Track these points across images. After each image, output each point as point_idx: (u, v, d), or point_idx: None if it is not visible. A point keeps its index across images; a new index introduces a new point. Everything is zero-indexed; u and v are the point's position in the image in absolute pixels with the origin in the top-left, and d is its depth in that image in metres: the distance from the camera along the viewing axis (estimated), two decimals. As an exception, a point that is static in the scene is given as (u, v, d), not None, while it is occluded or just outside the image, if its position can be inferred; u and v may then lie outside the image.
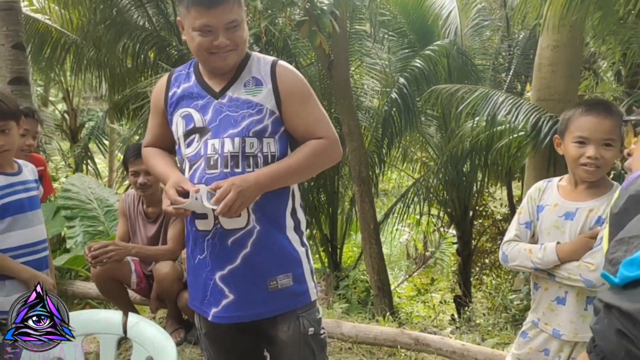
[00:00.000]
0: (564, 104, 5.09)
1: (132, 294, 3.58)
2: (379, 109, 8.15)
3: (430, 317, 7.91)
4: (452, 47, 7.63)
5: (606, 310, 0.89)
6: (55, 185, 5.74)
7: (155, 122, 1.93)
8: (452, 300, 8.83)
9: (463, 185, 8.27)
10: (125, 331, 1.82)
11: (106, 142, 10.76)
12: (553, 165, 5.33)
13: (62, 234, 4.85)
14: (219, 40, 1.68)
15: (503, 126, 5.81)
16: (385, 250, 7.50)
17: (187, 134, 1.79)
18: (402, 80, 7.73)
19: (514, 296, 5.34)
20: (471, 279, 8.96)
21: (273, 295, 1.77)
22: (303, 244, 1.85)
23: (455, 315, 7.51)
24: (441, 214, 9.53)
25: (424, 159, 9.84)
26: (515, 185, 9.39)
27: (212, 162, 1.74)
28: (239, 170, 1.72)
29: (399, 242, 12.10)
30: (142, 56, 7.69)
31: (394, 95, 7.71)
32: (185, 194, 1.68)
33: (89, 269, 3.52)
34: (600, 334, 0.89)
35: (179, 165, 1.88)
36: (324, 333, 1.90)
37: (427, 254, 11.16)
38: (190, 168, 1.79)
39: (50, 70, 8.62)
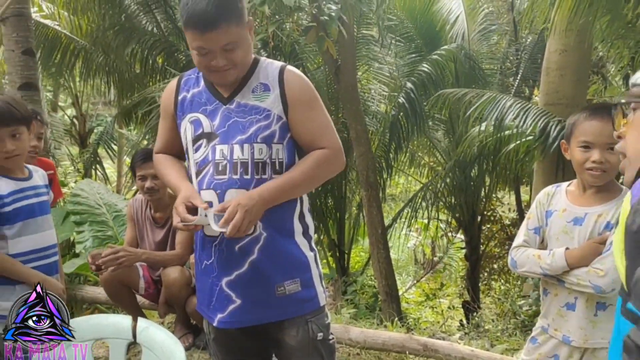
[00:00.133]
0: (572, 109, 5.07)
1: (140, 298, 3.60)
2: (386, 114, 8.15)
3: (438, 322, 7.88)
4: (459, 52, 7.63)
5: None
6: (64, 190, 5.77)
7: (165, 127, 1.93)
8: (461, 306, 8.79)
9: (471, 190, 8.25)
10: (134, 336, 1.83)
11: (115, 147, 10.83)
12: (561, 169, 5.30)
13: (72, 238, 4.88)
14: (216, 61, 1.68)
15: (511, 131, 5.80)
16: (393, 255, 7.48)
17: (196, 139, 1.80)
18: (409, 84, 7.72)
19: (523, 302, 5.31)
20: (479, 285, 8.92)
21: (280, 300, 1.77)
22: (311, 249, 1.85)
23: (464, 321, 7.47)
24: (449, 219, 9.50)
25: (431, 163, 9.82)
26: (524, 190, 9.36)
27: (220, 168, 1.75)
28: (248, 176, 1.73)
29: (407, 247, 12.06)
30: (151, 61, 7.74)
31: (401, 99, 7.71)
32: (194, 209, 1.70)
33: (97, 274, 3.53)
34: None
35: (187, 170, 1.89)
36: (333, 338, 1.90)
37: (435, 259, 11.12)
38: (198, 173, 1.79)
39: (60, 75, 8.69)
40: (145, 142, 7.84)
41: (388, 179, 8.64)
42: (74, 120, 12.39)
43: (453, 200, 8.52)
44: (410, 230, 10.34)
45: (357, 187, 7.90)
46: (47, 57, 7.99)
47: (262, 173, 1.73)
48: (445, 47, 7.80)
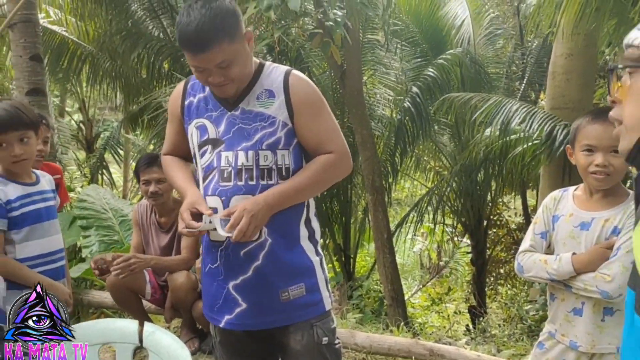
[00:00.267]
0: (578, 113, 5.05)
1: (146, 303, 3.61)
2: (392, 118, 8.15)
3: (444, 327, 7.85)
4: (465, 56, 7.62)
5: None
6: (71, 194, 5.80)
7: (172, 130, 1.95)
8: (467, 311, 8.76)
9: (477, 194, 8.22)
10: (141, 340, 1.84)
11: (121, 152, 10.87)
12: (568, 174, 5.28)
13: (78, 243, 4.90)
14: (212, 77, 1.69)
15: (517, 135, 5.78)
16: (398, 260, 7.48)
17: (201, 145, 1.81)
18: (415, 89, 7.72)
19: (529, 307, 5.29)
20: (486, 289, 8.89)
21: (285, 305, 1.78)
22: (317, 253, 1.86)
23: (470, 326, 7.44)
24: (455, 223, 9.47)
25: (437, 167, 9.80)
26: (530, 194, 9.33)
27: (225, 175, 1.75)
28: (253, 183, 1.73)
29: (413, 251, 12.04)
30: (157, 66, 7.78)
31: (406, 104, 7.70)
32: (199, 215, 1.71)
33: (106, 279, 3.55)
34: None
35: (195, 174, 1.90)
36: (339, 343, 1.90)
37: (441, 263, 11.09)
38: (204, 179, 1.80)
39: (67, 81, 8.75)
40: (151, 147, 7.87)
41: (394, 183, 8.62)
42: (81, 125, 12.47)
43: (459, 205, 8.50)
44: (415, 235, 10.31)
45: (363, 192, 7.89)
46: (55, 62, 8.04)
47: (268, 179, 1.74)
48: (451, 51, 7.80)
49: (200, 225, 1.69)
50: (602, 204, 1.86)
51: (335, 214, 8.30)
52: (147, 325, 1.87)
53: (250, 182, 1.74)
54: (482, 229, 8.63)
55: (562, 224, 1.92)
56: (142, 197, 3.72)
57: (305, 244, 1.83)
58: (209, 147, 1.79)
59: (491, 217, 9.06)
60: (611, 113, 1.08)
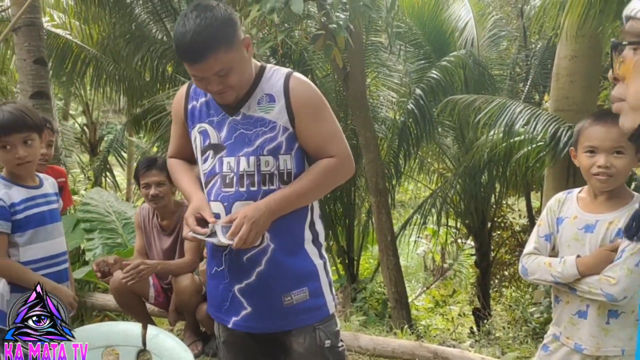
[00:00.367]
0: (582, 114, 5.04)
1: (149, 306, 3.61)
2: (395, 120, 8.14)
3: (448, 330, 7.83)
4: (468, 58, 7.61)
5: None
6: (74, 197, 5.81)
7: (177, 133, 1.95)
8: (471, 313, 8.74)
9: (481, 196, 8.21)
10: (144, 343, 1.83)
11: (125, 155, 10.90)
12: (572, 176, 5.26)
13: (82, 246, 4.91)
14: (211, 86, 1.69)
15: (521, 137, 5.77)
16: (402, 262, 7.45)
17: (204, 150, 1.81)
18: (418, 91, 7.71)
19: (534, 309, 5.26)
20: (490, 291, 8.86)
21: (288, 310, 1.78)
22: (321, 256, 1.85)
23: (474, 328, 7.42)
24: (459, 225, 9.46)
25: (441, 170, 9.79)
26: (534, 196, 9.30)
27: (227, 181, 1.76)
28: (255, 188, 1.73)
29: (417, 253, 12.02)
30: (160, 69, 7.80)
31: (410, 106, 7.70)
32: (204, 219, 1.73)
33: (108, 281, 3.56)
34: None
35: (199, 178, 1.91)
36: (342, 346, 1.89)
37: (445, 265, 11.07)
38: (206, 184, 1.81)
39: (71, 84, 8.78)
40: (155, 150, 7.88)
41: (397, 185, 8.61)
42: (85, 128, 12.51)
43: (463, 207, 8.49)
44: (419, 237, 10.30)
45: (366, 194, 7.89)
46: (59, 65, 8.07)
47: (270, 184, 1.74)
48: (455, 53, 7.79)
49: (205, 232, 1.71)
50: (607, 206, 1.85)
51: (339, 216, 8.30)
52: (151, 328, 1.87)
53: (252, 188, 1.74)
54: (486, 231, 8.62)
55: (566, 226, 1.91)
56: (144, 201, 3.72)
57: (309, 247, 1.82)
58: (211, 152, 1.79)
59: (495, 219, 9.04)
60: (613, 92, 1.04)
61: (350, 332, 3.73)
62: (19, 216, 2.17)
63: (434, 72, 7.68)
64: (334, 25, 4.50)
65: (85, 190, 8.43)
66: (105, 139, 12.43)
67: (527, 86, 8.41)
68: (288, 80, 1.76)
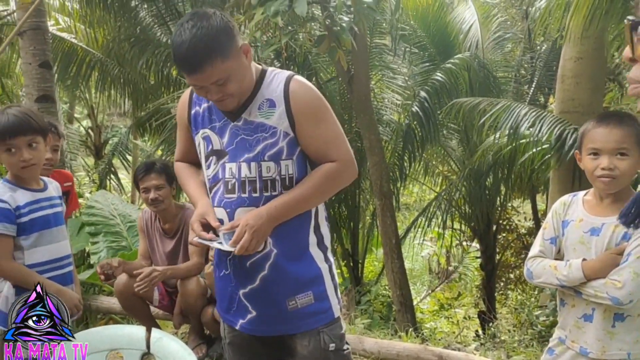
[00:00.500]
0: (588, 116, 5.01)
1: (154, 309, 3.61)
2: (400, 123, 8.14)
3: (453, 333, 7.80)
4: (473, 60, 7.61)
5: None
6: (80, 200, 5.82)
7: (182, 137, 1.96)
8: (476, 316, 8.70)
9: (486, 198, 8.18)
10: (148, 346, 1.84)
11: (129, 158, 10.93)
12: (578, 178, 5.24)
13: (86, 249, 4.92)
14: (210, 94, 1.69)
15: (526, 139, 5.75)
16: (407, 265, 7.45)
17: (207, 156, 1.82)
18: (423, 93, 7.71)
19: (539, 312, 5.23)
20: (495, 294, 8.83)
21: (292, 314, 1.78)
22: (327, 260, 1.85)
23: (480, 331, 7.39)
24: (464, 228, 9.43)
25: (445, 172, 9.77)
26: (540, 199, 9.27)
27: (229, 187, 1.76)
28: (257, 194, 1.73)
29: (421, 256, 11.99)
30: (165, 73, 7.83)
31: (414, 108, 7.69)
32: (209, 225, 1.74)
33: (112, 284, 3.57)
34: None
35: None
36: (348, 349, 1.89)
37: (450, 268, 11.03)
38: (211, 190, 1.82)
39: (76, 87, 8.81)
40: (159, 153, 7.91)
41: (402, 188, 8.60)
42: (90, 131, 12.56)
43: (468, 209, 8.46)
44: (424, 240, 10.28)
45: (371, 197, 7.89)
46: (64, 69, 8.11)
47: (272, 190, 1.73)
48: (459, 55, 7.78)
49: (210, 237, 1.72)
50: (613, 209, 1.83)
51: (344, 219, 8.30)
52: (155, 332, 1.87)
53: (253, 194, 1.74)
54: (492, 233, 8.59)
55: (572, 229, 1.90)
56: (149, 203, 3.72)
57: (314, 250, 1.82)
58: (214, 158, 1.80)
59: (500, 221, 9.01)
60: (630, 74, 1.01)
61: (355, 335, 3.72)
62: (24, 219, 2.18)
63: (438, 74, 7.67)
64: (338, 28, 4.50)
65: (90, 193, 8.45)
66: (110, 142, 12.48)
67: (532, 88, 8.39)
68: (288, 84, 1.74)
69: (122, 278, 3.32)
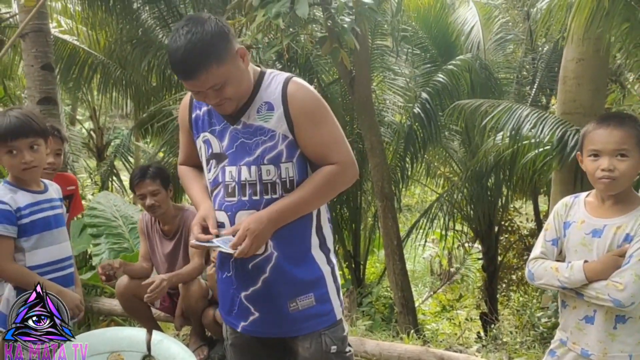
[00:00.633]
0: (589, 118, 5.00)
1: (155, 310, 3.61)
2: (401, 124, 8.13)
3: (455, 334, 7.79)
4: (474, 62, 7.59)
5: None
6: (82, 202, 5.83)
7: (184, 140, 1.97)
8: (478, 318, 8.69)
9: (488, 200, 8.18)
10: (149, 349, 1.84)
11: (131, 160, 10.92)
12: (580, 179, 5.24)
13: (88, 251, 4.92)
14: (208, 99, 1.69)
15: (528, 140, 5.74)
16: (409, 266, 7.43)
17: (208, 160, 1.82)
18: (424, 95, 7.70)
19: (541, 313, 5.22)
20: (497, 296, 8.82)
21: (294, 316, 1.78)
22: (329, 262, 1.85)
23: (482, 333, 7.38)
24: (466, 229, 9.42)
25: (447, 173, 9.76)
26: (542, 200, 9.25)
27: (230, 190, 1.76)
28: (257, 198, 1.73)
29: (423, 257, 11.98)
30: (167, 74, 7.83)
31: (416, 110, 7.68)
32: (209, 228, 1.75)
33: (113, 285, 3.57)
34: None
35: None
36: (350, 351, 1.89)
37: (452, 270, 11.02)
38: (212, 193, 1.83)
39: (78, 89, 8.82)
40: (161, 154, 7.91)
41: (404, 189, 8.59)
42: (92, 133, 12.57)
43: (469, 211, 8.45)
44: (426, 241, 10.26)
45: (373, 198, 7.88)
46: (66, 71, 8.12)
47: (272, 193, 1.73)
48: (461, 56, 7.77)
49: (209, 238, 1.72)
50: (614, 210, 1.83)
51: (345, 221, 8.29)
52: (156, 334, 1.88)
53: (254, 197, 1.74)
54: (493, 234, 8.58)
55: (573, 230, 1.89)
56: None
57: (316, 252, 1.82)
58: (214, 161, 1.80)
59: (502, 222, 8.99)
60: None
61: (356, 337, 3.71)
62: (25, 221, 2.18)
63: (440, 75, 7.66)
64: (339, 29, 4.50)
65: (93, 194, 8.47)
66: (112, 143, 12.48)
67: (534, 89, 8.38)
68: (286, 86, 1.74)
69: (123, 280, 3.33)
